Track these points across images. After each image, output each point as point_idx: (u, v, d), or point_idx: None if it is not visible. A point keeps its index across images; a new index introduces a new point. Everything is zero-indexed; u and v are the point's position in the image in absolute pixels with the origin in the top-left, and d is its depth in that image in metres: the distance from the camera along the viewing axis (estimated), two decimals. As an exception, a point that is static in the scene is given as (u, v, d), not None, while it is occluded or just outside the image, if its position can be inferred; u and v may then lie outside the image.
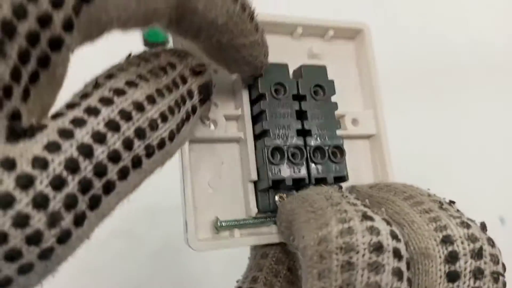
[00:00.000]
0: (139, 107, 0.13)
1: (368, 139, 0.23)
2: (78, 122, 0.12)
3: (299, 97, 0.20)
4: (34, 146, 0.11)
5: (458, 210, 0.16)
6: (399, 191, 0.17)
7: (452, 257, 0.14)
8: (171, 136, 0.14)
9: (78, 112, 0.12)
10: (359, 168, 0.23)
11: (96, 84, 0.14)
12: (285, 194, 0.20)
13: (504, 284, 0.15)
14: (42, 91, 0.12)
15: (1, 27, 0.11)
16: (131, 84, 0.14)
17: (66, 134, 0.12)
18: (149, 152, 0.13)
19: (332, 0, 0.45)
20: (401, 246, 0.13)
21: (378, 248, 0.12)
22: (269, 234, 0.19)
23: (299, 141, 0.19)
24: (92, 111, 0.12)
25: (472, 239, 0.14)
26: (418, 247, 0.15)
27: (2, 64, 0.11)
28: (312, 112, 0.20)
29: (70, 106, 0.13)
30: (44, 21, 0.11)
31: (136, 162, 0.13)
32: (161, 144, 0.14)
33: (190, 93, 0.15)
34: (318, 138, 0.20)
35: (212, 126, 0.20)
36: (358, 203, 0.15)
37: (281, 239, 0.19)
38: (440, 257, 0.14)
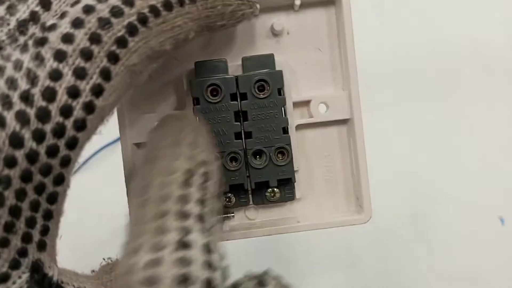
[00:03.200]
0: None
1: (344, 124, 0.20)
2: None
3: (239, 96, 0.18)
4: None
5: None
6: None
7: None
8: None
9: None
10: (333, 156, 0.21)
11: None
12: (231, 195, 0.20)
13: None
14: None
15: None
16: None
17: None
18: None
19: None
20: (215, 276, 0.12)
21: (184, 280, 0.12)
22: (217, 233, 0.20)
23: (237, 146, 0.18)
24: None
25: None
26: None
27: None
28: (254, 112, 0.18)
29: None
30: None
31: None
32: None
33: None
34: (258, 141, 0.18)
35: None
36: (193, 212, 0.13)
37: (230, 238, 0.20)
38: None
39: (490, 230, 0.39)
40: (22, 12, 0.13)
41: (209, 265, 0.12)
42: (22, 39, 0.13)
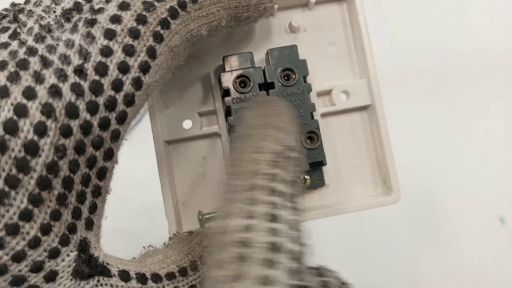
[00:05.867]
0: None
1: (365, 110, 0.21)
2: None
3: (266, 86, 0.19)
4: None
5: None
6: None
7: None
8: None
9: None
10: (358, 141, 0.21)
11: None
12: (264, 184, 0.20)
13: None
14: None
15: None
16: None
17: None
18: None
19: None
20: (300, 249, 0.13)
21: (275, 248, 0.13)
22: (252, 223, 0.20)
23: (268, 133, 0.19)
24: None
25: None
26: None
27: None
28: (282, 100, 0.19)
29: None
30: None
31: None
32: None
33: None
34: (289, 126, 0.19)
35: (188, 123, 0.20)
36: (279, 190, 0.14)
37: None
38: None
39: (490, 230, 0.40)
40: (67, 3, 0.14)
41: (294, 239, 0.13)
42: (67, 25, 0.14)
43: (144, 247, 0.18)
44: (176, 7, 0.15)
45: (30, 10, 0.14)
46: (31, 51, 0.13)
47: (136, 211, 0.28)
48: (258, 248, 0.12)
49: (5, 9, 0.15)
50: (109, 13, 0.14)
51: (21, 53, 0.13)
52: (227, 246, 0.13)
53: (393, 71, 0.40)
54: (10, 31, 0.13)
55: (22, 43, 0.13)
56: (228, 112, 0.19)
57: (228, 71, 0.19)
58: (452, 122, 0.41)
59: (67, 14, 0.14)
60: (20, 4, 0.15)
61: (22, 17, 0.14)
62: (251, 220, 0.13)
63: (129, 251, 0.20)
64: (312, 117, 0.19)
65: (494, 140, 0.41)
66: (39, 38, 0.13)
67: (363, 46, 0.21)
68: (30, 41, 0.13)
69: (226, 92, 0.19)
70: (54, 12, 0.14)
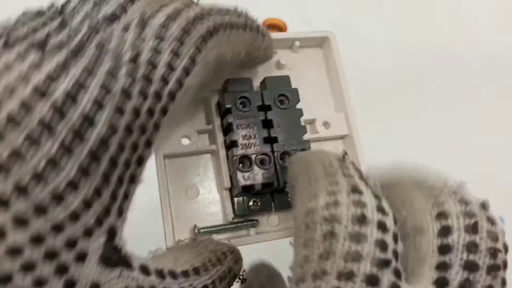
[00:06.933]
0: None
1: (342, 139, 0.24)
2: None
3: (264, 107, 0.21)
4: None
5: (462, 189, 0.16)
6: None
7: (445, 231, 0.14)
8: None
9: None
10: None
11: None
12: (258, 199, 0.21)
13: (504, 262, 0.15)
14: None
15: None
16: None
17: None
18: None
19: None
20: (387, 220, 0.14)
21: (361, 220, 0.13)
22: (246, 237, 0.21)
23: (266, 148, 0.21)
24: None
25: (469, 215, 0.15)
26: (414, 223, 0.15)
27: None
28: (278, 120, 0.21)
29: None
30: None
31: None
32: None
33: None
34: (284, 144, 0.21)
35: (186, 141, 0.21)
36: (355, 175, 0.15)
37: (258, 241, 0.21)
38: (433, 231, 0.15)
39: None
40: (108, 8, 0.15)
41: (381, 209, 0.14)
42: (108, 29, 0.15)
43: (150, 251, 0.17)
44: (212, 29, 0.16)
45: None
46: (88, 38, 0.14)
47: (136, 211, 0.26)
48: (347, 221, 0.13)
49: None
50: (159, 20, 0.15)
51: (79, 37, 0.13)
52: (316, 224, 0.13)
53: (395, 72, 0.41)
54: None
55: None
56: (228, 129, 0.21)
57: (230, 91, 0.21)
58: (451, 122, 0.41)
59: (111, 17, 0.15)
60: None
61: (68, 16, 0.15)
62: (336, 196, 0.13)
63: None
64: (302, 138, 0.21)
65: (494, 140, 0.42)
66: (94, 31, 0.14)
67: (340, 85, 0.24)
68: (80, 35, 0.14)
69: (227, 110, 0.21)
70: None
